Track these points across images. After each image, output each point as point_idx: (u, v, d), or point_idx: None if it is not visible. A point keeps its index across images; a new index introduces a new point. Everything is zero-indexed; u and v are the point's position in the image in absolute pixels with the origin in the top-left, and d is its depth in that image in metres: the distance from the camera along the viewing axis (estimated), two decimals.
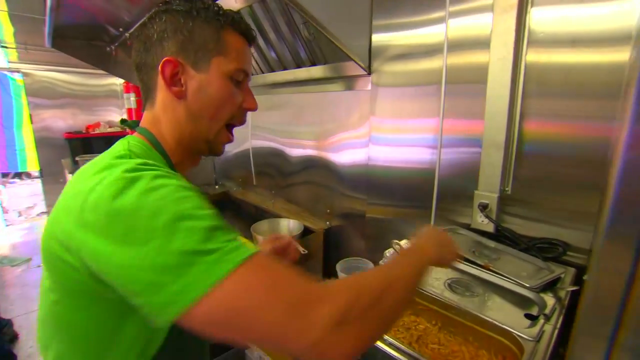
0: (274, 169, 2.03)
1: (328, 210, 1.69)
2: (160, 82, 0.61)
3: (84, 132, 4.44)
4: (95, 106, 4.68)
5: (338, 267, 1.33)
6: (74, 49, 2.70)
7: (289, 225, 1.75)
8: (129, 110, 3.58)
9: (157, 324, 0.43)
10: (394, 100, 1.28)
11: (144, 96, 0.66)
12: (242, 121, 0.69)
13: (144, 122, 0.65)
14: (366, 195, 1.45)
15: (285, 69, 1.72)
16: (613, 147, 0.78)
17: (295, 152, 1.85)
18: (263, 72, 1.87)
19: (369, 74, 1.33)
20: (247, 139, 2.17)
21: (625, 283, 0.37)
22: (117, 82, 4.63)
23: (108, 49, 2.85)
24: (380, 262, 1.13)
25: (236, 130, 0.70)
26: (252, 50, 1.77)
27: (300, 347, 0.40)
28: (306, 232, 1.66)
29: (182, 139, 0.64)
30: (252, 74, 1.92)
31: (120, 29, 2.34)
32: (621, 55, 0.78)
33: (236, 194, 2.31)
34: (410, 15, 1.17)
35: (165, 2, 0.62)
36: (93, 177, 0.48)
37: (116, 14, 2.09)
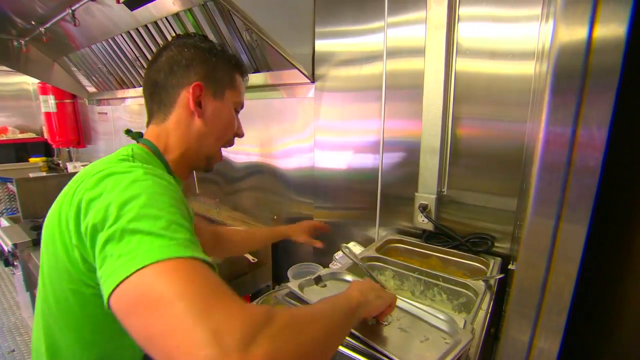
0: (218, 176, 1.96)
1: (275, 217, 1.67)
2: (182, 101, 0.71)
3: None
4: (1, 109, 4.08)
5: (289, 273, 1.32)
6: None
7: None
8: (47, 115, 3.18)
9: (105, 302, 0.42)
10: (337, 105, 1.32)
11: (152, 110, 0.75)
12: (232, 144, 0.84)
13: (148, 135, 0.73)
14: (312, 199, 1.47)
15: None
16: (529, 146, 0.90)
17: (240, 158, 1.81)
18: None
19: (313, 82, 1.36)
20: None
21: (543, 276, 0.43)
22: (30, 81, 4.08)
23: (16, 43, 2.51)
24: (330, 265, 1.15)
25: None
26: None
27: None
28: None
29: (186, 153, 0.74)
30: None
31: (33, 22, 2.07)
32: (528, 68, 0.90)
33: None
34: (351, 24, 1.22)
35: (187, 35, 0.76)
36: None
37: (26, 4, 1.85)
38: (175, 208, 0.50)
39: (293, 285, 0.70)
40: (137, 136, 0.75)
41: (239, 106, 0.82)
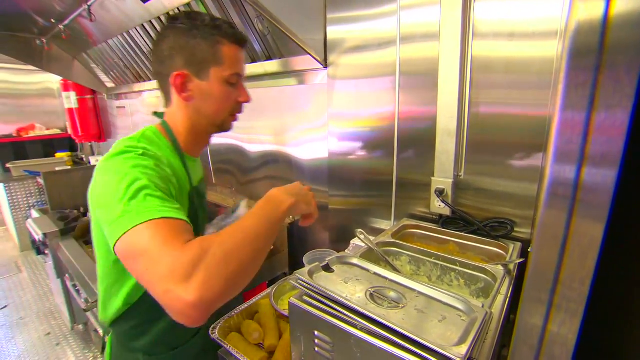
0: (233, 165, 1.98)
1: None
2: (173, 89, 0.80)
3: (15, 135, 4.02)
4: (28, 106, 4.24)
5: (305, 259, 1.34)
6: None
7: None
8: (70, 111, 3.28)
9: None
10: (351, 92, 1.30)
11: (163, 96, 0.85)
12: (240, 112, 0.88)
13: (165, 116, 0.86)
14: (328, 187, 1.47)
15: None
16: (547, 133, 0.86)
17: (255, 147, 1.82)
18: None
19: (326, 67, 1.34)
20: None
21: (558, 256, 0.42)
22: (53, 79, 4.21)
23: (38, 42, 2.58)
24: (346, 250, 1.16)
25: None
26: None
27: (156, 294, 0.51)
28: None
29: (193, 129, 0.84)
30: None
31: (52, 20, 2.13)
32: (550, 49, 0.85)
33: None
34: (363, 9, 1.19)
35: (172, 18, 0.79)
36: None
37: (45, 2, 1.90)
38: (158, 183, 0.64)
39: (301, 274, 0.71)
40: (160, 117, 0.87)
41: (232, 78, 0.80)
